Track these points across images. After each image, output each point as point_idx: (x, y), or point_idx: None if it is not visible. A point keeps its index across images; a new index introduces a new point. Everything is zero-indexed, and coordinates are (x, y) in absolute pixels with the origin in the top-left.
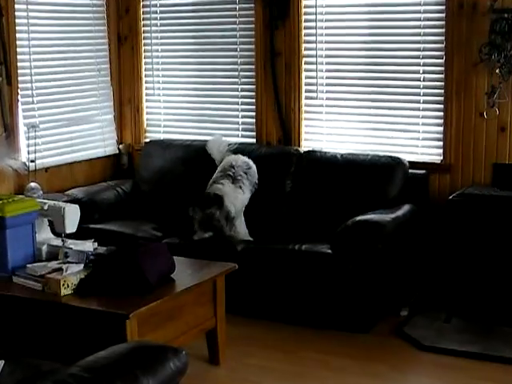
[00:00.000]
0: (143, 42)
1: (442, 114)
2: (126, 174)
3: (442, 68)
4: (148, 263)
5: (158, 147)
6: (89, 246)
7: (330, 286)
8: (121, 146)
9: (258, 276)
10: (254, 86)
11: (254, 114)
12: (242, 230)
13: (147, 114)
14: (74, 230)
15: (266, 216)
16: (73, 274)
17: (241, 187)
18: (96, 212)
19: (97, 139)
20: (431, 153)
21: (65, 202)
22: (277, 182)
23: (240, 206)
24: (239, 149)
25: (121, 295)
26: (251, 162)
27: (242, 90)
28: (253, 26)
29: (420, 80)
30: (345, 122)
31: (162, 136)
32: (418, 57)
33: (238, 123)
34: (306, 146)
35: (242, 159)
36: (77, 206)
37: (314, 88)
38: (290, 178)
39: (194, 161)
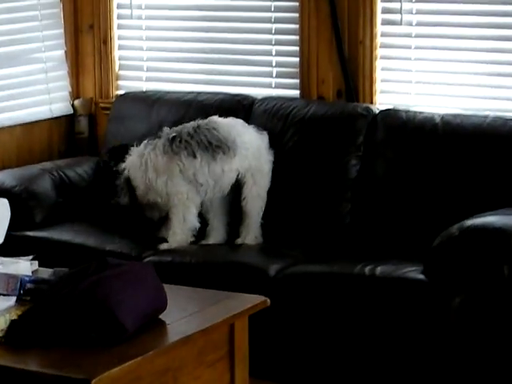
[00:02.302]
0: None
1: None
2: (84, 147)
3: None
4: (122, 297)
5: (139, 104)
6: (25, 266)
7: (424, 335)
8: (77, 103)
9: (303, 317)
10: (296, 4)
11: (296, 49)
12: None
13: (120, 48)
14: (1, 241)
15: (316, 218)
16: None
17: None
18: (36, 210)
19: (37, 91)
20: None
21: None
22: (334, 162)
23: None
24: (271, 108)
25: (78, 348)
26: (216, 119)
27: (277, 10)
28: None
29: None
30: (448, 63)
31: (144, 86)
32: None
33: (270, 64)
34: (382, 102)
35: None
36: (5, 200)
37: (396, 6)
38: (355, 156)
39: None
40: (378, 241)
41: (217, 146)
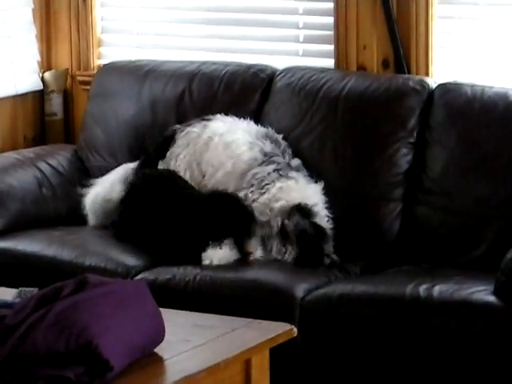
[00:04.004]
0: None
1: None
2: (58, 133)
3: None
4: (106, 325)
5: (127, 77)
6: None
7: (497, 377)
8: (48, 76)
9: (339, 351)
10: None
11: (330, 6)
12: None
13: (103, 6)
14: None
15: (355, 224)
16: None
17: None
18: None
19: None
20: None
21: None
22: (379, 151)
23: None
24: (297, 81)
25: None
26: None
27: None
28: None
29: None
30: None
31: (134, 54)
32: None
33: (296, 26)
34: (441, 73)
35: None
36: None
37: None
38: (406, 143)
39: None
40: (436, 252)
41: None
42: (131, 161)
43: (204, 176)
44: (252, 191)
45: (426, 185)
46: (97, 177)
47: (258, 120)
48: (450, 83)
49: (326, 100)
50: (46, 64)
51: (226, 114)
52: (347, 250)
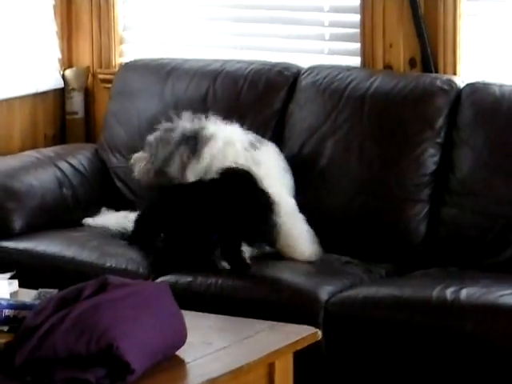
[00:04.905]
0: None
1: None
2: (79, 132)
3: None
4: (127, 327)
5: (149, 76)
6: (1, 287)
7: None
8: (69, 74)
9: (365, 356)
10: None
11: (356, 4)
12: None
13: (124, 2)
14: None
15: (381, 225)
16: None
17: None
18: (17, 215)
19: (16, 58)
20: None
21: None
22: (406, 151)
23: None
24: (322, 80)
25: None
26: None
27: None
28: None
29: None
30: None
31: (156, 52)
32: None
33: (321, 24)
34: (469, 73)
35: None
36: None
37: None
38: (434, 144)
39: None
40: (463, 254)
41: None
42: None
43: None
44: None
45: (453, 186)
46: (118, 178)
47: (282, 119)
48: (478, 83)
49: (352, 99)
50: (67, 62)
51: (250, 113)
52: (373, 252)
